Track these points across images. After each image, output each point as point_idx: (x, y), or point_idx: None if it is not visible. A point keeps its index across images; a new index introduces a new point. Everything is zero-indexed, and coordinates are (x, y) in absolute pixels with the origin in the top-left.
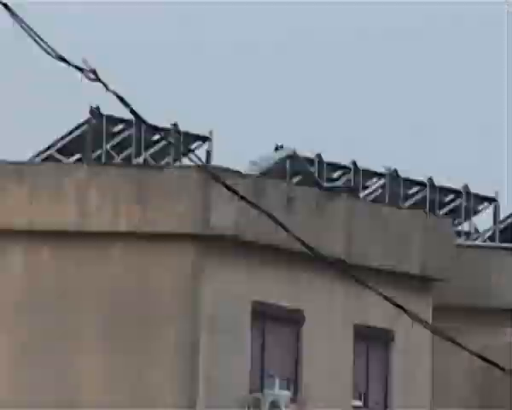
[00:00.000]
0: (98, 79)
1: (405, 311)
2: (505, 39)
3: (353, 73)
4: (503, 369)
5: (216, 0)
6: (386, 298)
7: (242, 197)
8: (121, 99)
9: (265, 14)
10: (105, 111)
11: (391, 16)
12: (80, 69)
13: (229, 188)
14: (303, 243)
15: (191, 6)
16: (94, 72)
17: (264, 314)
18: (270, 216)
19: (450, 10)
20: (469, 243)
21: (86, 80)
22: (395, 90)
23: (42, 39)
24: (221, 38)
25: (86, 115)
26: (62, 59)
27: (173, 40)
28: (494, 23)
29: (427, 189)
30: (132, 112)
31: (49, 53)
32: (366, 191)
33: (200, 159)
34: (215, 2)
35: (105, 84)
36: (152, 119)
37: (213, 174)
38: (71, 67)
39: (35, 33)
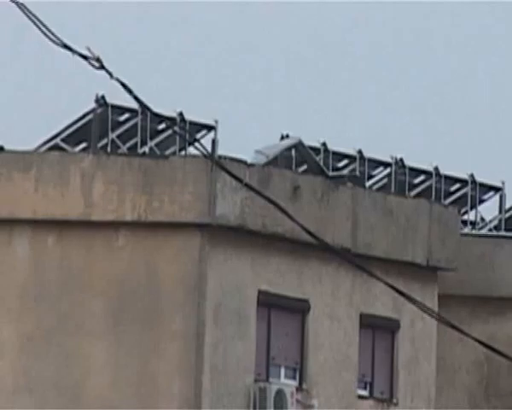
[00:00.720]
0: (103, 67)
1: (411, 300)
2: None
3: (359, 62)
4: (510, 358)
5: None
6: (392, 287)
7: (248, 185)
8: (125, 87)
9: (272, 7)
10: (110, 100)
11: (395, 11)
12: (85, 57)
13: (234, 176)
14: (308, 231)
15: None
16: (98, 59)
17: (269, 303)
18: (276, 205)
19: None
20: (475, 232)
21: (91, 68)
22: (401, 79)
23: (47, 27)
24: (227, 27)
25: (92, 104)
26: (67, 47)
27: (179, 30)
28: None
29: (433, 178)
30: (136, 99)
31: (53, 41)
32: (372, 180)
33: (205, 148)
34: None
35: (109, 72)
36: (157, 108)
37: (219, 163)
38: (75, 55)
39: (40, 22)
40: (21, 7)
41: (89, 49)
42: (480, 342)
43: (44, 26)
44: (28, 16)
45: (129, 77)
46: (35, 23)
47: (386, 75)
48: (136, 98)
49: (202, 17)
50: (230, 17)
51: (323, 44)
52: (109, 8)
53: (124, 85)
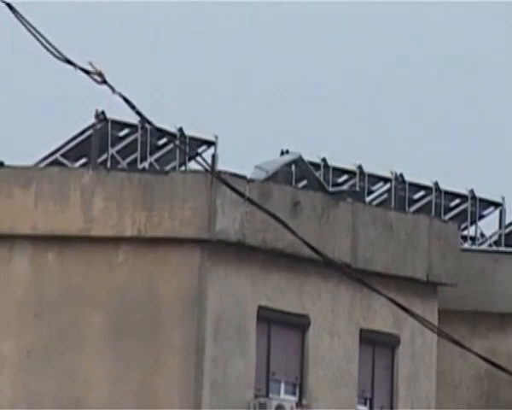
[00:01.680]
0: (105, 82)
1: (412, 314)
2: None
3: (359, 77)
4: (510, 373)
5: (224, 0)
6: (393, 301)
7: (249, 200)
8: (127, 101)
9: (270, 18)
10: (110, 115)
11: (402, 18)
12: (87, 72)
13: (236, 190)
14: (309, 245)
15: (197, 6)
16: (100, 74)
17: (269, 319)
18: (277, 218)
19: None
20: (475, 247)
21: (93, 83)
22: (401, 94)
23: (49, 42)
24: (228, 42)
25: (92, 120)
26: (69, 62)
27: (179, 43)
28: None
29: (433, 193)
30: (139, 114)
31: (56, 56)
32: (372, 196)
33: (206, 162)
34: (222, 3)
35: (111, 87)
36: (157, 123)
37: (220, 177)
38: (77, 70)
39: (42, 36)
40: (23, 21)
41: (91, 64)
42: (481, 357)
43: (46, 40)
44: (30, 31)
45: (128, 90)
46: (37, 38)
47: (386, 90)
48: (138, 113)
49: (203, 31)
50: (231, 31)
51: (323, 59)
52: (106, 18)
53: (126, 100)
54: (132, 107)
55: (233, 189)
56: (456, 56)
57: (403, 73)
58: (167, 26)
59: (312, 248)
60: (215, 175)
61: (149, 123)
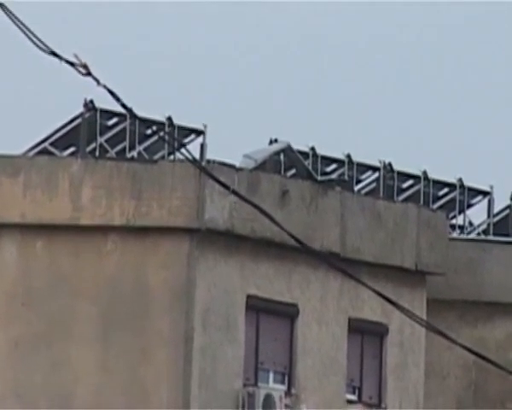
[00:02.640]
0: (89, 74)
1: (399, 307)
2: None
3: (347, 66)
4: (496, 364)
5: None
6: (379, 294)
7: (234, 192)
8: (112, 94)
9: (261, 11)
10: (99, 104)
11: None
12: (72, 64)
13: (221, 183)
14: (296, 239)
15: None
16: (85, 66)
17: (258, 308)
18: (263, 211)
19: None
20: (463, 236)
21: (78, 75)
22: (389, 83)
23: (34, 34)
24: (216, 32)
25: (80, 109)
26: (54, 54)
27: (167, 33)
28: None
29: (422, 182)
30: (124, 106)
31: (40, 48)
32: (360, 185)
33: (192, 155)
34: None
35: (96, 79)
36: (146, 112)
37: (206, 169)
38: (62, 62)
39: (27, 28)
40: (8, 13)
41: (76, 56)
42: (467, 349)
43: (31, 32)
44: (15, 23)
45: (117, 80)
46: (22, 30)
47: (374, 79)
48: (123, 105)
49: (191, 20)
50: (220, 21)
51: (313, 49)
52: (96, 10)
53: (111, 92)
54: (117, 99)
55: (219, 181)
56: (442, 43)
57: (390, 61)
58: (155, 14)
59: (299, 241)
60: (201, 167)
61: (134, 115)
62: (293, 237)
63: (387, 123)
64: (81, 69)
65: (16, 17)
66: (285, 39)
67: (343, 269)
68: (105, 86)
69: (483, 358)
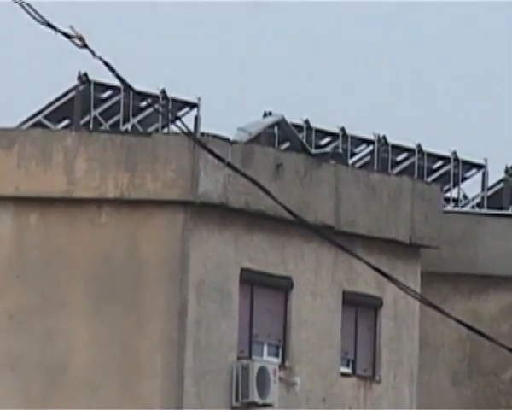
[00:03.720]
0: (85, 46)
1: (393, 280)
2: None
3: (340, 38)
4: (489, 337)
5: None
6: (373, 267)
7: (229, 164)
8: (108, 65)
9: None
10: (93, 77)
11: None
12: (68, 36)
13: (216, 155)
14: (290, 211)
15: None
16: (81, 38)
17: (252, 281)
18: (258, 184)
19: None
20: (458, 209)
21: (73, 46)
22: (383, 55)
23: (30, 5)
24: (210, 4)
25: (74, 82)
26: (50, 25)
27: (161, 7)
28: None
29: (416, 155)
30: (119, 78)
31: (36, 19)
32: (354, 158)
33: (186, 126)
34: None
35: (92, 51)
36: (140, 85)
37: (200, 142)
38: (58, 34)
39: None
40: None
41: (72, 28)
42: (461, 322)
43: (27, 4)
44: None
45: (112, 53)
46: (17, 1)
47: (368, 51)
48: (118, 77)
49: None
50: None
51: (305, 22)
52: None
53: (106, 64)
54: (113, 70)
55: (214, 154)
56: (437, 18)
57: (385, 36)
58: None
59: (293, 214)
60: (196, 140)
61: (130, 87)
62: (287, 209)
63: (381, 96)
64: (77, 41)
65: None
66: (278, 11)
67: (337, 242)
68: (101, 58)
69: (476, 331)
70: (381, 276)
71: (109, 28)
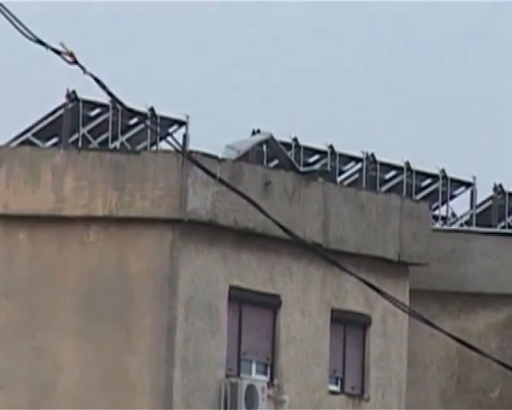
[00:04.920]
0: (76, 62)
1: (383, 294)
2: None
3: (330, 56)
4: (481, 352)
5: None
6: (364, 282)
7: (220, 180)
8: (99, 82)
9: (243, 5)
10: (82, 95)
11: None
12: (58, 52)
13: (207, 171)
14: (280, 225)
15: None
16: (71, 54)
17: (240, 299)
18: (248, 199)
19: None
20: (446, 227)
21: (63, 63)
22: (372, 73)
23: (20, 22)
24: (197, 21)
25: (63, 99)
26: (40, 42)
27: (150, 24)
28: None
29: (404, 173)
30: (110, 94)
31: (27, 36)
32: (343, 176)
33: (177, 142)
34: None
35: (82, 67)
36: (129, 103)
37: (191, 157)
38: (49, 50)
39: (13, 16)
40: None
41: (62, 45)
42: (451, 336)
43: (17, 20)
44: (1, 10)
45: (99, 72)
46: (7, 17)
47: (357, 69)
48: (109, 93)
49: (173, 11)
50: (200, 12)
51: (295, 38)
52: (79, 3)
53: (97, 80)
54: (103, 87)
55: (204, 169)
56: (425, 35)
57: (373, 54)
58: (140, 8)
59: (284, 229)
60: (186, 155)
61: (120, 103)
62: (277, 223)
63: (370, 114)
64: (67, 57)
65: (2, 5)
66: (267, 28)
67: (328, 258)
68: (91, 74)
69: (466, 344)
70: (370, 292)
71: (96, 47)
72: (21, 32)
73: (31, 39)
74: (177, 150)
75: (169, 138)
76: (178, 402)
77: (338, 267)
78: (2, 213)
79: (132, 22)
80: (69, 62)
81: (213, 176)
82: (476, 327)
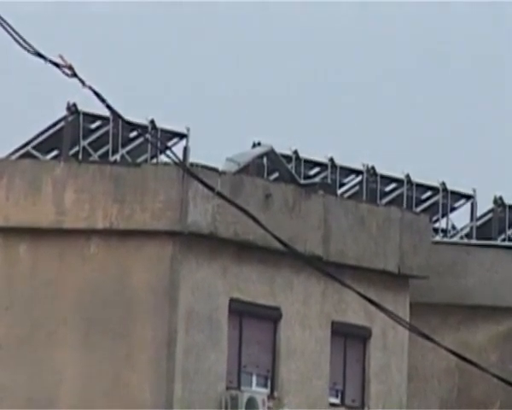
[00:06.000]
0: (75, 75)
1: (382, 309)
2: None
3: (329, 69)
4: (480, 366)
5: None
6: (363, 297)
7: (219, 194)
8: (98, 95)
9: (243, 14)
10: (82, 108)
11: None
12: (57, 65)
13: (206, 184)
14: (280, 240)
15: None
16: (70, 67)
17: (241, 311)
18: (248, 214)
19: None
20: (446, 240)
21: (63, 76)
22: (371, 86)
23: (19, 34)
24: (198, 33)
25: (63, 112)
26: (39, 55)
27: (151, 36)
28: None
29: (405, 186)
30: (109, 107)
31: (26, 48)
32: (343, 188)
33: (177, 156)
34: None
35: (81, 80)
36: (129, 115)
37: (191, 171)
38: (48, 63)
39: (13, 29)
40: None
41: (61, 57)
42: (451, 352)
43: (17, 33)
44: (1, 24)
45: (100, 83)
46: (7, 30)
47: (356, 82)
48: (108, 107)
49: (174, 24)
50: (201, 24)
51: (294, 50)
52: (78, 12)
53: (96, 94)
54: (102, 100)
55: (203, 183)
56: (422, 46)
57: (372, 66)
58: (137, 18)
59: (282, 243)
60: (186, 169)
61: (120, 117)
62: (276, 238)
63: (370, 126)
64: (66, 70)
65: (1, 17)
66: (267, 40)
67: (327, 271)
68: (90, 87)
69: (466, 360)
70: (370, 306)
71: (96, 58)
72: (20, 44)
73: (30, 52)
74: (176, 163)
75: (169, 152)
76: None
77: (336, 281)
78: (2, 225)
79: (133, 34)
80: (68, 75)
81: (212, 189)
82: (477, 340)
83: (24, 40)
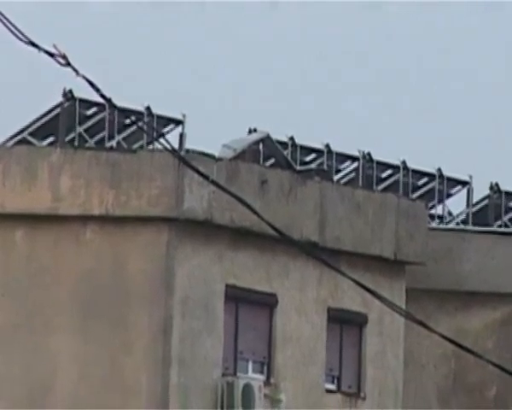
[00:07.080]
0: (68, 64)
1: (377, 296)
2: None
3: (325, 55)
4: (474, 353)
5: None
6: (358, 283)
7: (213, 181)
8: (92, 84)
9: (243, 2)
10: (78, 94)
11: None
12: (51, 54)
13: (200, 173)
14: (274, 228)
15: None
16: (64, 57)
17: (237, 298)
18: (242, 201)
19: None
20: (443, 226)
21: (57, 65)
22: (368, 71)
23: (13, 24)
24: (194, 21)
25: (59, 98)
26: (33, 44)
27: (146, 24)
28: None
29: (401, 172)
30: (102, 96)
31: (19, 38)
32: (339, 175)
33: (170, 144)
34: None
35: (75, 69)
36: (126, 102)
37: (184, 159)
38: (41, 52)
39: (5, 18)
40: None
41: (55, 47)
42: (446, 338)
43: (10, 22)
44: None
45: (97, 69)
46: (0, 20)
47: (353, 68)
48: (102, 96)
49: (172, 10)
50: (198, 11)
51: (290, 37)
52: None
53: (90, 83)
54: (97, 89)
55: (198, 171)
56: (421, 34)
57: (367, 48)
58: (138, 6)
59: (277, 231)
60: (180, 157)
61: (114, 106)
62: (272, 226)
63: (367, 113)
64: (60, 60)
65: None
66: (263, 26)
67: (322, 259)
68: (84, 76)
69: (461, 347)
70: (366, 292)
71: (94, 43)
72: (14, 34)
73: (23, 41)
74: (170, 151)
75: (162, 140)
76: (175, 402)
77: (333, 269)
78: None
79: (130, 21)
80: (62, 64)
81: (206, 177)
82: (473, 326)
83: (17, 29)
